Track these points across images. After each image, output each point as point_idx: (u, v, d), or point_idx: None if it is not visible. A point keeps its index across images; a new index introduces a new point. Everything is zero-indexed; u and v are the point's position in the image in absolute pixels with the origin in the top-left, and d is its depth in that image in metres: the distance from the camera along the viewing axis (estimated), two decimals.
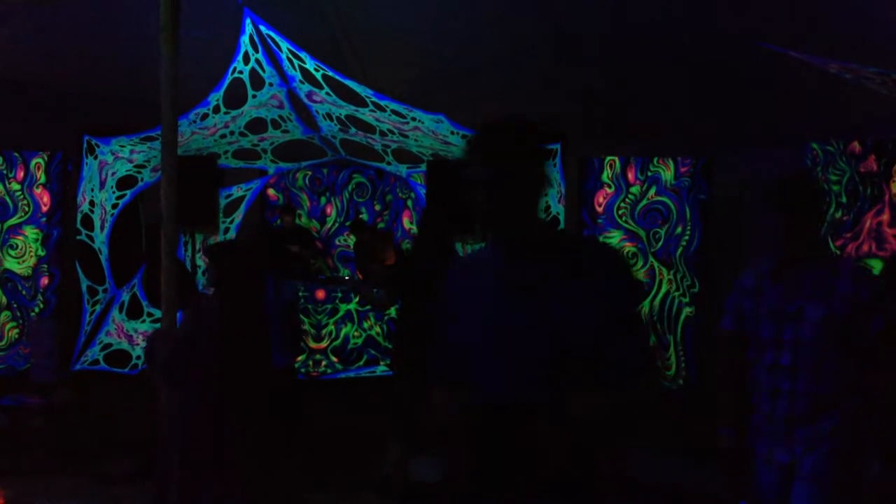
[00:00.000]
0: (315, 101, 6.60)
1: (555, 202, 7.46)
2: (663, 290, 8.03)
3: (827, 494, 3.05)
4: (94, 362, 7.66)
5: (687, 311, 8.02)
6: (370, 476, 5.52)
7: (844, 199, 7.43)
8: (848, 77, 5.57)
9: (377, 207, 9.95)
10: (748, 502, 3.33)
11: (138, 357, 7.68)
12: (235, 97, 6.33)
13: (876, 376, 3.06)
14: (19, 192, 8.75)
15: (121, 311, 7.90)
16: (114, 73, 6.73)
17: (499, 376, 2.13)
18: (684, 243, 7.97)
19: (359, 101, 6.35)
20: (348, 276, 9.77)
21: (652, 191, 7.99)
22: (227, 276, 3.69)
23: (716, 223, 7.90)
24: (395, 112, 6.53)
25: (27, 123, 8.13)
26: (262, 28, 5.56)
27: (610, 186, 8.08)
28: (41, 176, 8.76)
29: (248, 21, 5.53)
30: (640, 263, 8.04)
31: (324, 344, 9.22)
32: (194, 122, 6.74)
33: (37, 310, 8.78)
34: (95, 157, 7.58)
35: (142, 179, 7.93)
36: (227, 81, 6.10)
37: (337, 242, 9.97)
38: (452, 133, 6.78)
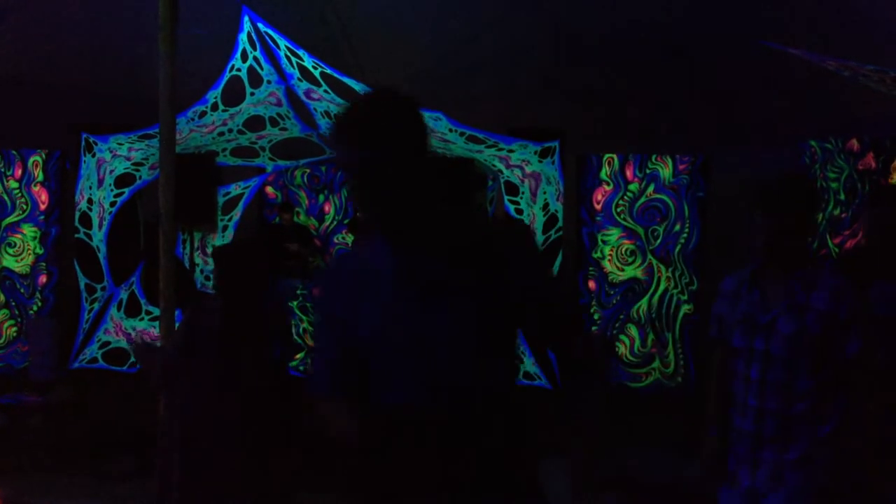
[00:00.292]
0: (313, 99, 6.59)
1: (553, 200, 7.46)
2: (661, 287, 8.04)
3: None
4: (92, 360, 7.65)
5: (685, 308, 8.02)
6: None
7: (843, 197, 7.43)
8: (846, 74, 5.57)
9: None
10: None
11: None
12: (234, 95, 6.32)
13: (851, 404, 2.77)
14: (17, 191, 8.75)
15: (119, 309, 7.89)
16: (112, 70, 6.73)
17: (407, 385, 1.92)
18: (683, 241, 7.97)
19: None
20: None
21: (650, 188, 7.99)
22: (227, 277, 3.69)
23: (714, 221, 7.90)
24: None
25: (25, 121, 8.12)
26: (261, 26, 5.55)
27: (608, 184, 8.08)
28: (39, 174, 8.75)
29: (246, 19, 5.52)
30: (639, 261, 8.04)
31: None
32: (192, 119, 6.73)
33: (35, 308, 8.77)
34: (93, 155, 7.57)
35: (140, 177, 7.92)
36: (225, 79, 6.10)
37: (335, 240, 9.96)
38: (451, 131, 6.78)
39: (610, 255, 8.06)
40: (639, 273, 8.05)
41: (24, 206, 8.75)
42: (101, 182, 7.72)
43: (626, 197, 8.04)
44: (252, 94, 6.32)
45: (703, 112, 7.15)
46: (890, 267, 3.53)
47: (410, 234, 1.93)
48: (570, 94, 7.23)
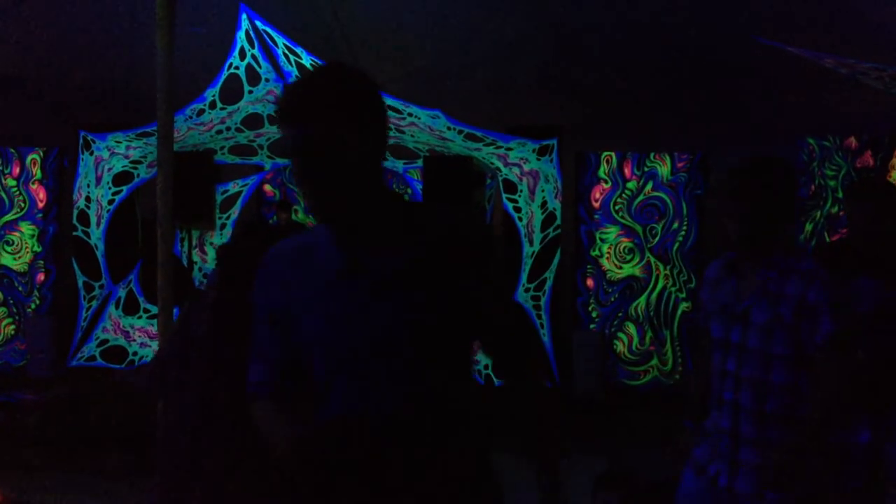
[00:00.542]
0: None
1: (551, 198, 7.46)
2: (660, 285, 8.04)
3: None
4: (90, 358, 7.65)
5: (683, 306, 8.02)
6: None
7: (841, 194, 7.44)
8: (844, 72, 5.57)
9: None
10: None
11: (134, 353, 7.68)
12: (232, 93, 6.32)
13: (816, 396, 2.57)
14: (15, 188, 8.74)
15: (117, 307, 7.89)
16: (110, 69, 6.73)
17: (350, 392, 1.77)
18: (681, 238, 7.98)
19: None
20: None
21: (648, 186, 8.00)
22: (225, 276, 3.68)
23: (712, 218, 7.90)
24: (391, 107, 6.52)
25: (23, 119, 8.12)
26: (259, 24, 5.55)
27: (606, 182, 8.08)
28: (37, 172, 8.75)
29: (244, 17, 5.52)
30: (637, 259, 8.05)
31: None
32: (190, 117, 6.73)
33: (33, 306, 8.77)
34: (91, 153, 7.57)
35: (138, 175, 7.91)
36: (223, 77, 6.09)
37: None
38: (449, 129, 6.77)
39: (608, 252, 8.07)
40: (637, 271, 8.05)
41: (23, 204, 8.74)
42: (99, 180, 7.72)
43: (624, 195, 8.05)
44: (250, 91, 6.32)
45: (702, 109, 7.16)
46: (872, 263, 3.52)
47: (358, 225, 1.75)
48: (568, 92, 7.24)
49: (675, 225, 7.98)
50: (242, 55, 5.87)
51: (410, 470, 1.72)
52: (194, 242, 8.27)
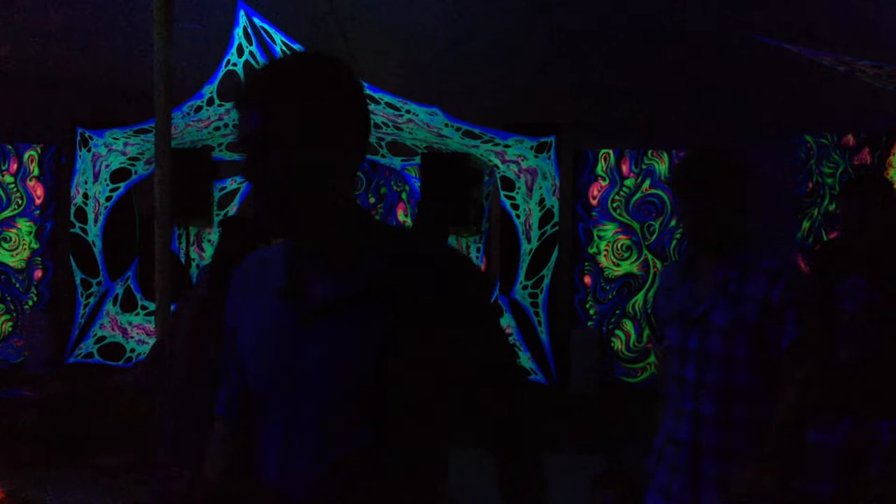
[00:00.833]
0: None
1: (549, 195, 7.47)
2: (658, 283, 8.05)
3: None
4: (88, 355, 7.65)
5: None
6: None
7: (838, 192, 7.44)
8: (841, 69, 5.58)
9: (371, 200, 9.93)
10: None
11: (132, 350, 7.68)
12: (229, 89, 6.32)
13: (782, 400, 2.41)
14: (13, 185, 8.72)
15: (115, 304, 7.89)
16: (108, 65, 6.72)
17: (280, 437, 1.46)
18: (678, 236, 7.98)
19: None
20: None
21: (646, 183, 7.99)
22: (211, 273, 3.67)
23: None
24: (389, 104, 6.52)
25: (20, 116, 8.10)
26: (256, 20, 5.55)
27: (604, 179, 8.08)
28: (34, 168, 8.73)
29: (241, 13, 5.52)
30: (635, 256, 8.05)
31: None
32: (188, 114, 6.72)
33: (30, 303, 8.76)
34: (89, 150, 7.56)
35: (135, 172, 7.91)
36: (220, 73, 6.09)
37: None
38: (447, 126, 6.78)
39: (606, 250, 8.07)
40: (634, 268, 8.06)
41: (20, 201, 8.72)
42: (96, 177, 7.71)
43: (621, 192, 8.05)
44: None
45: (699, 107, 7.16)
46: (863, 262, 3.50)
47: (311, 239, 1.47)
48: (566, 90, 7.24)
49: (673, 222, 7.98)
50: (240, 52, 5.87)
51: None
52: (192, 239, 8.26)
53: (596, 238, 8.09)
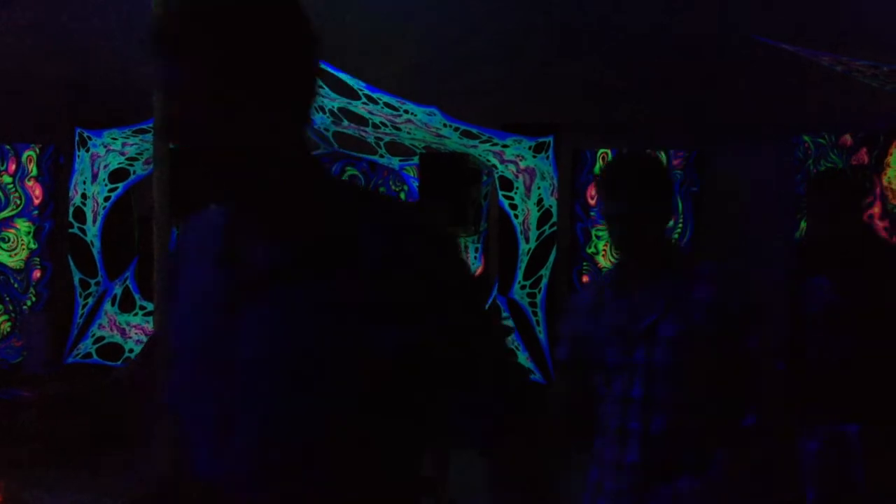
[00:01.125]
0: None
1: (548, 195, 7.47)
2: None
3: None
4: (86, 355, 7.65)
5: None
6: None
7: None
8: (839, 69, 5.59)
9: None
10: None
11: (130, 350, 7.68)
12: None
13: (759, 411, 2.34)
14: (11, 185, 8.72)
15: (113, 304, 7.89)
16: (106, 65, 6.71)
17: (211, 426, 1.24)
18: (676, 236, 7.99)
19: (351, 94, 6.35)
20: None
21: None
22: None
23: (708, 216, 7.92)
24: (387, 105, 6.52)
25: (19, 116, 8.10)
26: None
27: None
28: (33, 169, 8.73)
29: None
30: None
31: None
32: None
33: (29, 303, 8.76)
34: (87, 150, 7.56)
35: (134, 172, 7.91)
36: None
37: None
38: (445, 126, 6.78)
39: (604, 250, 8.08)
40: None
41: (18, 201, 8.72)
42: (95, 177, 7.71)
43: None
44: None
45: (697, 107, 7.16)
46: (831, 261, 3.43)
47: (249, 201, 1.23)
48: (564, 90, 7.24)
49: (671, 222, 8.00)
50: None
51: None
52: None
53: (594, 238, 8.10)
